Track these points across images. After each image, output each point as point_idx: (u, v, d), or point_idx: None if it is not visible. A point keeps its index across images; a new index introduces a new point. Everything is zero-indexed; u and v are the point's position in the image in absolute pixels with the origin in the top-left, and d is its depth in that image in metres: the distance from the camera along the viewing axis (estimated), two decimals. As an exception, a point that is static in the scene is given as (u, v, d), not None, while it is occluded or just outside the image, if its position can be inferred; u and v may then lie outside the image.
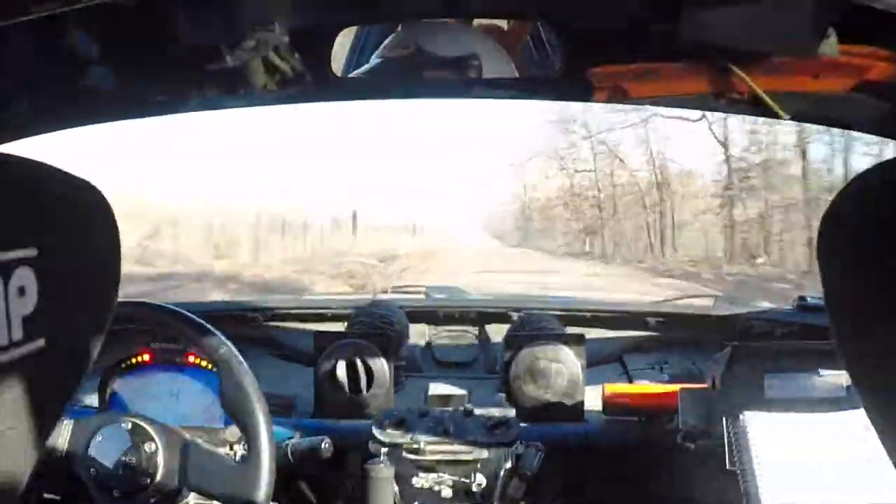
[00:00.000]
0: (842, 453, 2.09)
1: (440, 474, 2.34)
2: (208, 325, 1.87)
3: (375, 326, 2.85)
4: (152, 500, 1.87)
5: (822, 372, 2.21)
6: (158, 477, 1.84)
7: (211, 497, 1.87)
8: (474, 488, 2.33)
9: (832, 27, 1.61)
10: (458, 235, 38.84)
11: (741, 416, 2.14)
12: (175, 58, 1.89)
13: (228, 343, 1.84)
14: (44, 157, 0.90)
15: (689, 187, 27.90)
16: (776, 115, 1.83)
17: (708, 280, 20.50)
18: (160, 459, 1.85)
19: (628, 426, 2.56)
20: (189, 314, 1.90)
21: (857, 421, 2.10)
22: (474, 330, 3.26)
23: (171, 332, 1.93)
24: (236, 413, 1.80)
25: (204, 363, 2.22)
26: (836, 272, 0.86)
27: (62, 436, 1.88)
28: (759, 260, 23.76)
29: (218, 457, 1.84)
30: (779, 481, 2.07)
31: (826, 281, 0.87)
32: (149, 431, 1.86)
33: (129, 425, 1.87)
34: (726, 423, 2.15)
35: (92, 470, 1.85)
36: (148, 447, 1.85)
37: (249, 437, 1.79)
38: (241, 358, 1.82)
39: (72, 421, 1.90)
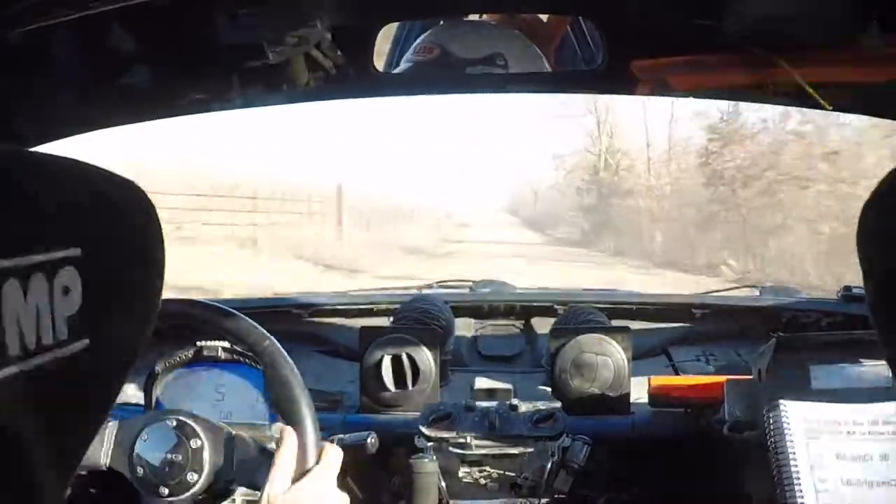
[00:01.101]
0: (881, 447, 2.07)
1: (486, 469, 2.35)
2: (251, 321, 1.87)
3: (421, 321, 2.85)
4: (200, 497, 1.88)
5: (867, 362, 2.20)
6: (205, 473, 1.85)
7: (259, 489, 1.88)
8: (521, 482, 2.34)
9: (876, 18, 1.60)
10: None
11: (781, 407, 2.13)
12: (217, 56, 1.90)
13: (272, 338, 1.84)
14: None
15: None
16: (820, 107, 1.83)
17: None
18: (206, 455, 1.85)
19: (674, 418, 2.55)
20: (232, 310, 1.90)
21: None
22: (519, 324, 3.26)
23: (214, 328, 1.93)
24: (282, 407, 1.80)
25: (249, 361, 2.23)
26: (876, 262, 0.86)
27: (108, 439, 1.89)
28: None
29: (264, 450, 1.85)
30: (814, 472, 2.07)
31: (867, 270, 0.86)
32: (194, 428, 1.87)
33: (174, 423, 1.87)
34: (766, 414, 2.15)
35: (139, 469, 1.86)
36: (193, 443, 1.86)
37: (295, 430, 1.80)
38: (285, 352, 1.82)
39: (116, 423, 1.90)
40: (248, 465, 1.84)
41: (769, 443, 2.12)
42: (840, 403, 2.14)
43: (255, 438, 1.91)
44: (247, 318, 1.87)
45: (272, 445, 1.83)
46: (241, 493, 2.10)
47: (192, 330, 2.12)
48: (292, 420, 1.75)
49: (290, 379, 1.79)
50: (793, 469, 2.06)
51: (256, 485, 1.78)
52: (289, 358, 1.81)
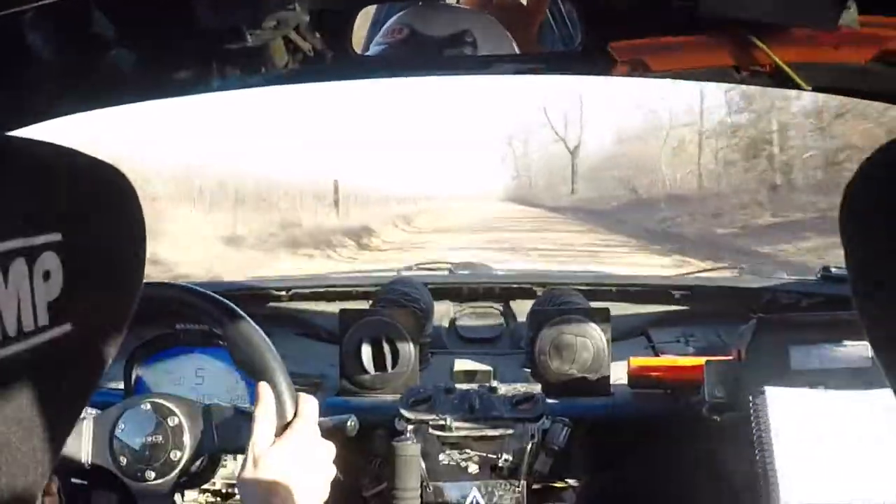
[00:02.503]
0: (861, 433, 2.09)
1: (467, 451, 2.35)
2: (204, 290, 1.86)
3: (400, 303, 2.85)
4: (188, 475, 1.88)
5: (848, 342, 2.21)
6: (188, 448, 1.84)
7: (243, 452, 1.87)
8: (501, 464, 2.34)
9: None
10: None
11: (764, 392, 2.14)
12: (195, 39, 1.89)
13: (235, 307, 1.83)
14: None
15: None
16: (798, 87, 1.83)
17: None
18: (186, 430, 1.85)
19: (654, 399, 2.56)
20: (198, 288, 1.89)
21: (879, 402, 2.10)
22: (499, 306, 3.26)
23: (169, 304, 1.92)
24: (249, 365, 1.79)
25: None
26: (859, 241, 0.86)
27: (86, 435, 1.88)
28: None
29: (242, 412, 1.84)
30: (797, 460, 2.08)
31: (849, 250, 0.86)
32: (169, 407, 1.86)
33: (149, 405, 1.87)
34: (752, 398, 2.16)
35: (122, 458, 1.85)
36: (171, 421, 1.85)
37: (263, 374, 1.78)
38: (249, 319, 1.81)
39: (92, 419, 1.89)
40: (230, 431, 1.84)
41: (752, 430, 2.13)
42: (821, 386, 2.16)
43: (231, 405, 1.90)
44: (210, 292, 1.86)
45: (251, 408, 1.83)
46: (220, 476, 2.11)
47: (171, 314, 2.12)
48: (263, 376, 1.75)
49: (254, 338, 1.78)
50: (776, 455, 2.08)
51: (241, 448, 1.77)
52: (252, 322, 1.80)
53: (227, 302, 1.82)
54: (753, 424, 2.14)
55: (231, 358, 1.82)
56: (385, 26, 2.17)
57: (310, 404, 1.70)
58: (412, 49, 2.10)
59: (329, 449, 1.69)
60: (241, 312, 1.81)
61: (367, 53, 2.18)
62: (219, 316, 1.82)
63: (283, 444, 1.62)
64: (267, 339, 1.78)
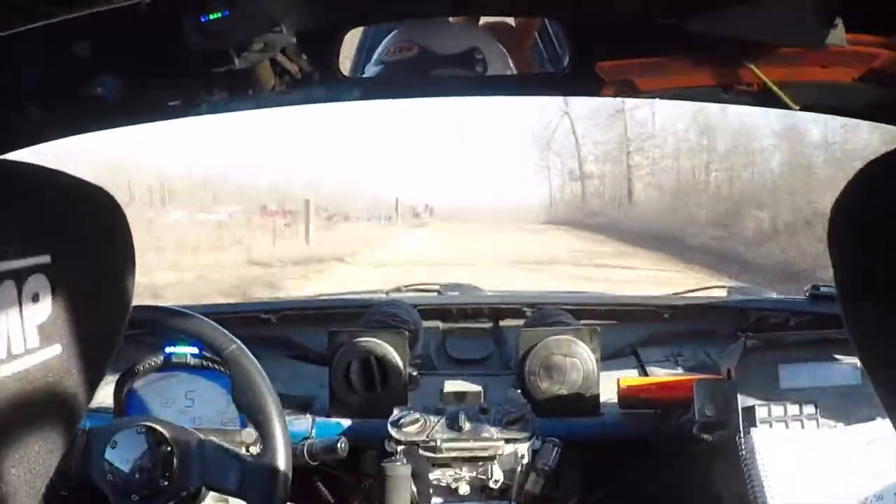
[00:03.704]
0: (844, 468, 2.10)
1: (457, 471, 2.35)
2: (216, 325, 1.87)
3: (389, 325, 2.84)
4: (171, 503, 1.88)
5: (837, 360, 2.22)
6: (175, 478, 1.84)
7: (229, 494, 1.87)
8: (492, 485, 2.34)
9: (839, 16, 1.61)
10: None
11: (750, 433, 2.15)
12: (183, 62, 1.90)
13: (238, 341, 1.84)
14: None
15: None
16: (785, 106, 1.84)
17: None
18: (176, 460, 1.85)
19: (644, 419, 2.56)
20: (199, 315, 1.90)
21: (863, 435, 2.12)
22: (488, 326, 3.25)
23: (180, 333, 1.93)
24: (249, 409, 1.80)
25: (218, 366, 2.22)
26: (847, 260, 0.87)
27: (77, 447, 1.88)
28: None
29: (233, 454, 1.84)
30: (785, 489, 2.09)
31: (838, 269, 0.87)
32: (163, 433, 1.86)
33: (143, 429, 1.87)
34: (739, 439, 2.17)
35: (109, 476, 1.85)
36: (163, 449, 1.85)
37: (263, 432, 1.79)
38: (251, 355, 1.82)
39: (86, 431, 1.90)
40: (218, 470, 1.84)
41: (743, 467, 2.14)
42: (811, 404, 2.17)
43: (224, 442, 1.90)
44: (210, 320, 1.87)
45: (243, 451, 1.83)
46: (212, 497, 2.10)
47: (162, 336, 2.11)
48: (259, 419, 1.75)
49: (255, 378, 1.79)
50: (765, 488, 2.09)
51: (226, 489, 1.77)
52: (254, 358, 1.81)
53: (233, 337, 1.83)
54: (742, 458, 2.14)
55: (233, 399, 1.83)
56: (385, 43, 2.17)
57: None
58: (408, 69, 2.10)
59: None
60: (245, 349, 1.81)
61: (366, 74, 2.18)
62: (220, 348, 1.83)
63: None
64: (266, 377, 1.79)
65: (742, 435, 2.17)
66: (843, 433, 2.14)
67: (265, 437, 1.79)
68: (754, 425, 2.18)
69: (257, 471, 1.79)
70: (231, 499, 2.18)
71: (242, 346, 1.83)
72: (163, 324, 1.91)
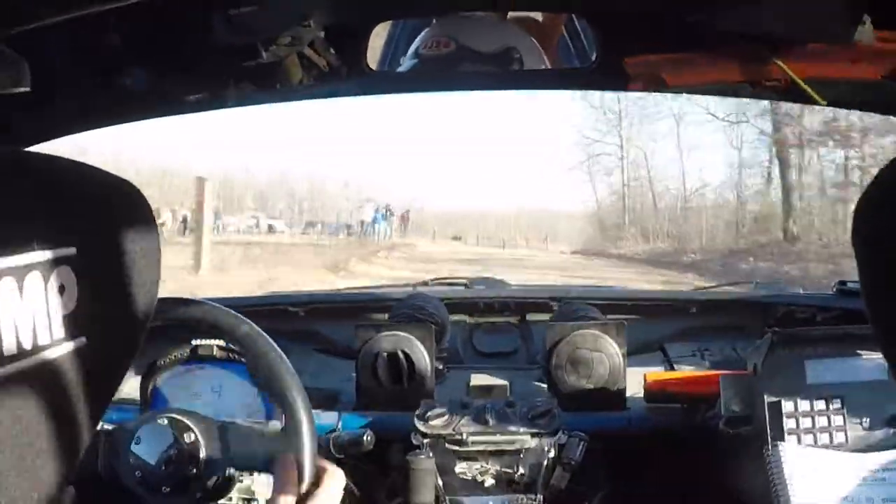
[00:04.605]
0: (871, 490, 2.10)
1: (483, 465, 2.35)
2: (227, 309, 1.86)
3: (416, 318, 2.85)
4: (204, 491, 1.88)
5: (864, 356, 2.21)
6: (203, 464, 1.84)
7: (257, 470, 1.87)
8: (517, 478, 2.34)
9: (867, 14, 1.60)
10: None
11: (778, 448, 2.14)
12: (212, 55, 1.91)
13: (249, 321, 1.83)
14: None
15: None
16: (813, 102, 1.83)
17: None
18: (202, 447, 1.85)
19: (670, 413, 2.56)
20: (205, 301, 1.89)
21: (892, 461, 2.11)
22: (515, 320, 3.26)
23: (186, 321, 1.92)
24: (268, 384, 1.79)
25: (244, 359, 2.23)
26: (871, 255, 0.87)
27: (102, 448, 1.88)
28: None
29: (258, 431, 1.84)
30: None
31: (862, 265, 0.87)
32: (186, 422, 1.86)
33: (166, 420, 1.87)
34: (765, 451, 2.16)
35: (137, 472, 1.85)
36: (187, 437, 1.85)
37: (285, 405, 1.79)
38: (265, 335, 1.81)
39: (109, 432, 1.90)
40: (245, 448, 1.84)
41: (769, 473, 2.13)
42: (837, 400, 2.16)
43: (247, 423, 1.91)
44: (222, 306, 1.87)
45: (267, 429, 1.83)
46: (237, 490, 2.11)
47: (187, 329, 2.13)
48: (280, 393, 1.75)
49: (270, 354, 1.78)
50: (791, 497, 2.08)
51: (255, 466, 1.77)
52: (268, 338, 1.80)
53: (244, 318, 1.83)
54: (769, 473, 2.14)
55: (252, 380, 1.83)
56: (421, 37, 2.17)
57: (335, 479, 1.68)
58: (442, 64, 2.10)
59: None
60: (259, 329, 1.81)
61: (400, 68, 2.18)
62: (232, 330, 1.82)
63: None
64: (282, 353, 1.78)
65: (770, 445, 2.16)
66: (872, 458, 2.13)
67: (286, 408, 1.79)
68: (780, 421, 2.17)
69: (283, 444, 1.79)
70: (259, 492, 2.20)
71: (254, 325, 1.83)
72: (170, 313, 1.91)
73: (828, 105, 1.89)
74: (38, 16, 1.26)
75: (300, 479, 1.65)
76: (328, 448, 2.20)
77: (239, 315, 1.82)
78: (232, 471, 1.90)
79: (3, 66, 1.56)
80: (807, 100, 1.81)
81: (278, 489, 1.62)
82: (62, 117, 2.04)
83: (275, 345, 1.79)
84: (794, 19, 1.68)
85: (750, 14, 1.71)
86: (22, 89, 1.51)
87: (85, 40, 1.79)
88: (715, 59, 1.84)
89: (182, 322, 1.88)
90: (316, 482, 1.66)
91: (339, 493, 1.66)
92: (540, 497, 2.34)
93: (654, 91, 2.01)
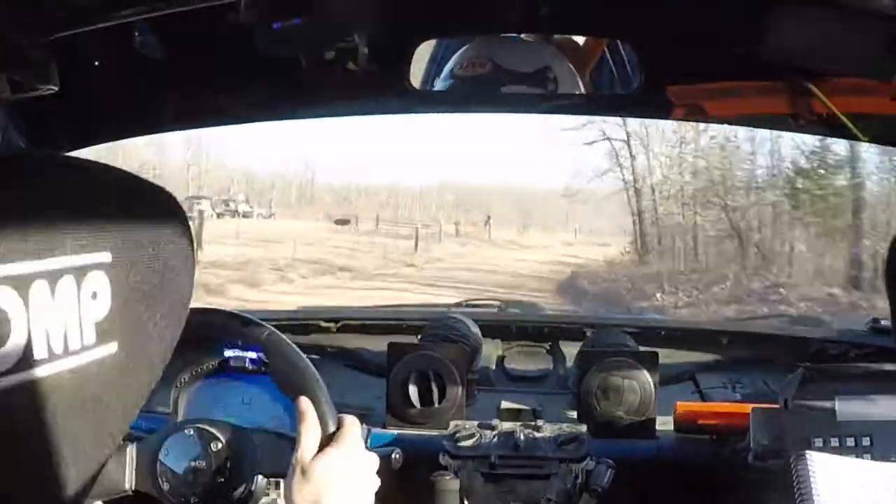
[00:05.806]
0: None
1: (510, 488, 2.35)
2: (248, 316, 1.86)
3: (449, 339, 2.85)
4: (232, 501, 1.88)
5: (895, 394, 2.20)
6: (231, 472, 1.85)
7: (284, 477, 1.87)
8: (544, 503, 2.33)
9: None
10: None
11: (805, 455, 2.13)
12: (255, 68, 1.92)
13: (270, 327, 1.83)
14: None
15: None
16: (854, 137, 1.83)
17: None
18: (229, 455, 1.86)
19: (700, 444, 2.55)
20: (225, 310, 1.90)
21: None
22: (547, 345, 3.24)
23: (217, 331, 1.92)
24: (291, 386, 1.79)
25: None
26: None
27: (129, 462, 1.88)
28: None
29: (284, 437, 1.85)
30: None
31: (893, 302, 0.87)
32: (213, 432, 1.86)
33: (192, 430, 1.88)
34: (792, 461, 2.14)
35: (165, 484, 1.86)
36: (214, 446, 1.86)
37: (296, 375, 1.78)
38: (288, 341, 1.81)
39: (135, 446, 1.90)
40: (272, 455, 1.84)
41: (795, 491, 2.12)
42: (867, 438, 2.14)
43: (274, 429, 1.92)
44: (244, 314, 1.87)
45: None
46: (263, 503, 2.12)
47: (219, 340, 2.13)
48: (303, 393, 1.75)
49: (294, 359, 1.78)
50: None
51: (283, 473, 1.78)
52: (292, 344, 1.81)
53: (268, 326, 1.83)
54: (795, 484, 2.12)
55: (274, 382, 1.83)
56: (457, 58, 2.18)
57: (351, 420, 1.70)
58: (479, 84, 2.11)
59: (372, 460, 1.69)
60: (282, 336, 1.82)
61: (437, 88, 2.19)
62: (259, 335, 1.83)
63: (328, 454, 1.62)
64: (308, 360, 1.79)
65: (796, 458, 2.14)
66: None
67: (297, 375, 1.78)
68: (809, 454, 2.16)
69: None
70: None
71: (276, 331, 1.83)
72: (201, 324, 1.91)
73: (869, 141, 1.88)
74: (80, 22, 1.27)
75: (323, 424, 1.67)
76: None
77: (261, 322, 1.83)
78: (260, 480, 1.91)
79: (37, 70, 1.58)
80: (848, 135, 1.80)
81: (303, 431, 1.65)
82: (102, 125, 2.06)
83: (296, 348, 1.80)
84: (837, 55, 1.67)
85: (794, 48, 1.71)
86: (50, 89, 1.52)
87: (125, 48, 1.81)
88: (758, 91, 1.84)
89: (212, 332, 1.89)
90: (336, 426, 1.68)
91: (360, 437, 1.69)
92: None
93: (695, 121, 2.02)
